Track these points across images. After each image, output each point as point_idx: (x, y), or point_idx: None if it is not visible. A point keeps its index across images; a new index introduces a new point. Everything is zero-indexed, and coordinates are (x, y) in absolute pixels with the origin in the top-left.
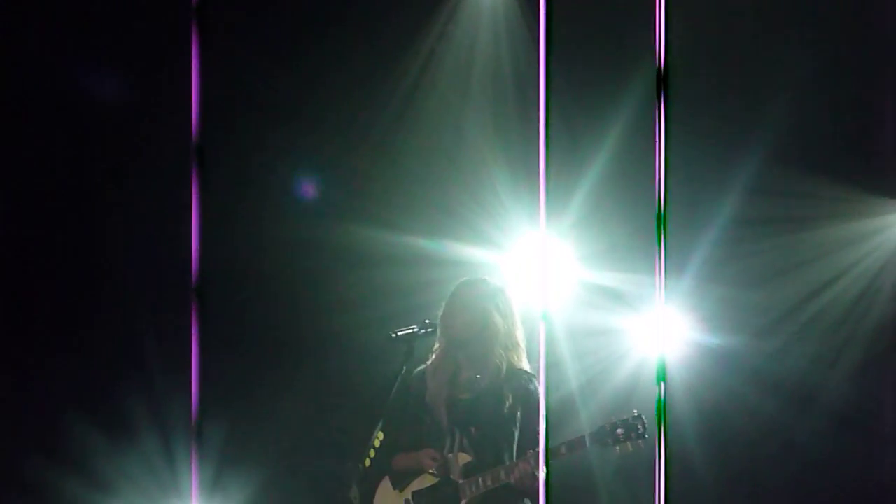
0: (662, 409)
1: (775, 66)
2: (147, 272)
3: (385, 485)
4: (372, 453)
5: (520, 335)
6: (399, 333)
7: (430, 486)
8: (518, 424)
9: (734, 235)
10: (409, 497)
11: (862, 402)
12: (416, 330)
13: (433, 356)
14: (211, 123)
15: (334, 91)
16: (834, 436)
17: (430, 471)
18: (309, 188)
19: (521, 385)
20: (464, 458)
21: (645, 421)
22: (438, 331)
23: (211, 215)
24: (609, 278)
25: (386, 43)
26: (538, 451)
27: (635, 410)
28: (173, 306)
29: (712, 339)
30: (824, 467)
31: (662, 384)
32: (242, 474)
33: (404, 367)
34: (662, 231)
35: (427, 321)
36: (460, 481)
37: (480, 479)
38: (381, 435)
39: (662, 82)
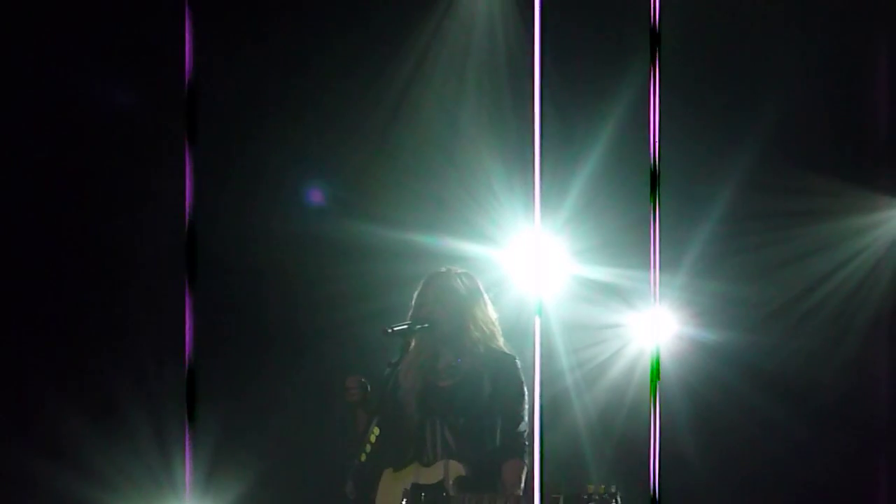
0: (655, 404)
1: (770, 61)
2: (142, 268)
3: (385, 477)
4: (368, 448)
5: (493, 316)
6: (394, 329)
7: (425, 495)
8: (500, 413)
9: (728, 230)
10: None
11: (856, 398)
12: (410, 325)
13: (410, 350)
14: (205, 119)
15: (329, 86)
16: (829, 431)
17: (353, 398)
18: (317, 193)
19: (502, 370)
20: (456, 469)
21: (619, 499)
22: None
23: (205, 211)
24: (603, 273)
25: (381, 36)
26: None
27: (613, 487)
28: (168, 301)
29: (707, 335)
30: (819, 462)
31: (657, 380)
32: (237, 469)
33: (398, 362)
34: (656, 226)
35: (422, 317)
36: (452, 494)
37: (468, 499)
38: (376, 430)
39: (657, 76)
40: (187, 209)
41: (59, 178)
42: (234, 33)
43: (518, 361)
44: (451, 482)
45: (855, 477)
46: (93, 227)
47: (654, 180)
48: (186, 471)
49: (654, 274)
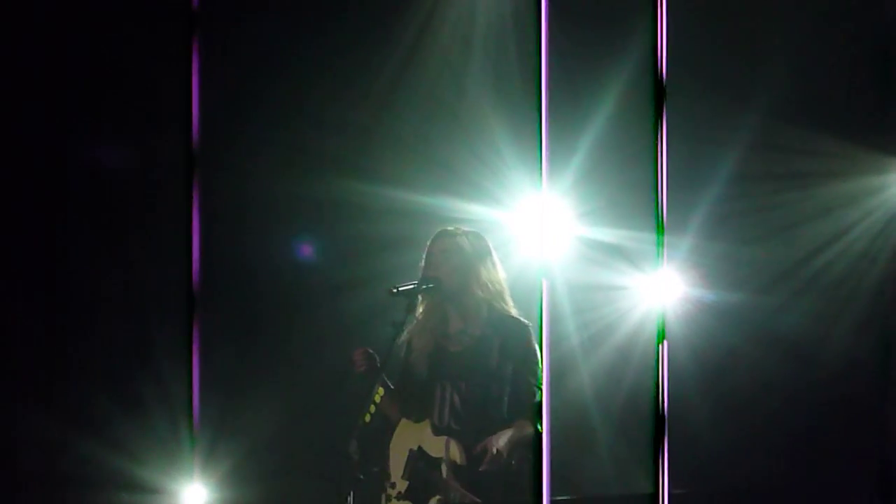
0: (661, 365)
1: (777, 21)
2: (147, 234)
3: (401, 426)
4: (372, 409)
5: (502, 275)
6: (399, 289)
7: (423, 466)
8: (510, 380)
9: (735, 192)
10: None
11: (864, 359)
12: (417, 285)
13: (419, 313)
14: (209, 76)
15: (336, 47)
16: (834, 392)
17: (360, 369)
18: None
19: (512, 337)
20: (455, 454)
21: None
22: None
23: (206, 168)
24: (610, 235)
25: None
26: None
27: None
28: (173, 255)
29: (714, 297)
30: (824, 424)
31: (663, 341)
32: (242, 430)
33: (404, 322)
34: (662, 187)
35: (428, 276)
36: (444, 478)
37: (454, 489)
38: (381, 390)
39: (663, 34)
40: (194, 171)
41: (72, 189)
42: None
43: (531, 327)
44: (446, 466)
45: (862, 438)
46: (108, 228)
47: (661, 142)
48: (195, 425)
49: (661, 235)
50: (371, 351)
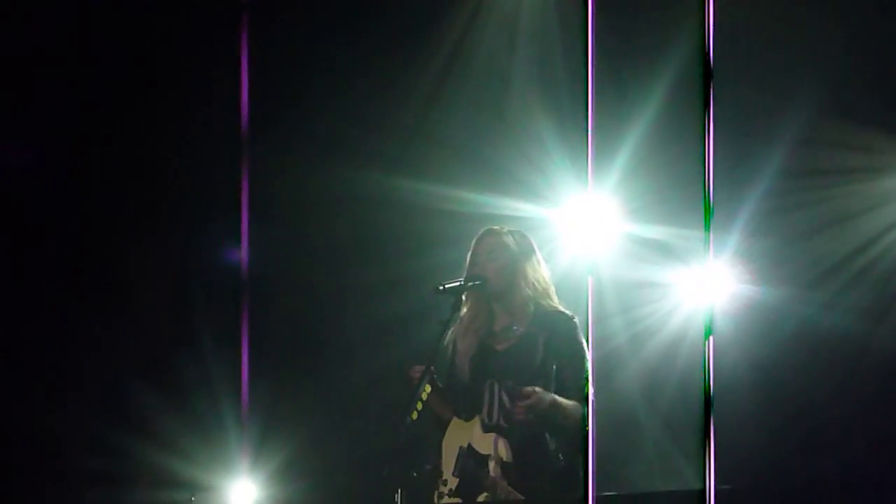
0: (708, 360)
1: (825, 15)
2: (196, 228)
3: (453, 424)
4: (419, 406)
5: (546, 273)
6: (446, 286)
7: (472, 463)
8: (555, 376)
9: (782, 187)
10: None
11: None
12: (463, 282)
13: (464, 311)
14: (257, 71)
15: (381, 45)
16: (884, 389)
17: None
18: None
19: (557, 331)
20: (503, 451)
21: None
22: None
23: (256, 167)
24: (657, 232)
25: None
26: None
27: None
28: (221, 250)
29: (762, 293)
30: (872, 420)
31: (710, 338)
32: (291, 425)
33: (451, 320)
34: (709, 184)
35: (475, 274)
36: (492, 475)
37: (502, 488)
38: (428, 388)
39: (711, 32)
40: (243, 163)
41: (124, 180)
42: None
43: (576, 320)
44: (494, 463)
45: None
46: (158, 218)
47: (707, 138)
48: (243, 420)
49: (708, 232)
50: (433, 367)
